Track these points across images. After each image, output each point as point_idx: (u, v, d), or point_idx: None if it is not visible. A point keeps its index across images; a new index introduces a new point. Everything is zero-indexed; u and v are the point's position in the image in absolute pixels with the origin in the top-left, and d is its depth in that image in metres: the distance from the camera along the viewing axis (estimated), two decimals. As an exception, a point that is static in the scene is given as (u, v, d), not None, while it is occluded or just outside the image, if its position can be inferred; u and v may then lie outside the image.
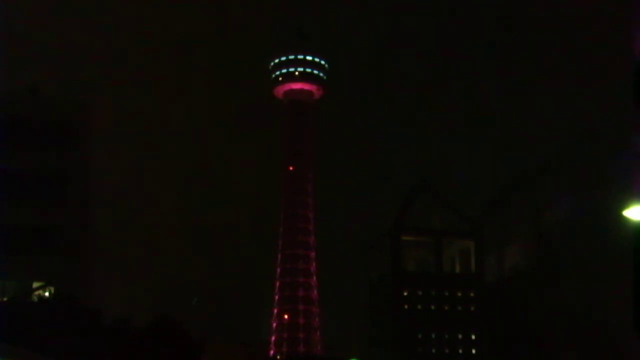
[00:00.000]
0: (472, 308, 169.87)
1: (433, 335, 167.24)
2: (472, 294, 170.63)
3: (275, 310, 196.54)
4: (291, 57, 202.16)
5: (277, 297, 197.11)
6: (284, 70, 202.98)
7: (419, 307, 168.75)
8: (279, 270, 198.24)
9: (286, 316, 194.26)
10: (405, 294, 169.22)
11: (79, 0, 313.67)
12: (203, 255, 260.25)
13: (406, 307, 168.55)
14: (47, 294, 74.75)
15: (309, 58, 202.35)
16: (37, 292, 74.55)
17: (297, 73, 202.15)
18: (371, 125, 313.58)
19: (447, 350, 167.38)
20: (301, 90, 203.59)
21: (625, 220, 20.49)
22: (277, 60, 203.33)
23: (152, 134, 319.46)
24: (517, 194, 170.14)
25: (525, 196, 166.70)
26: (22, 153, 76.07)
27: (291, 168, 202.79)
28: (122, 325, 67.33)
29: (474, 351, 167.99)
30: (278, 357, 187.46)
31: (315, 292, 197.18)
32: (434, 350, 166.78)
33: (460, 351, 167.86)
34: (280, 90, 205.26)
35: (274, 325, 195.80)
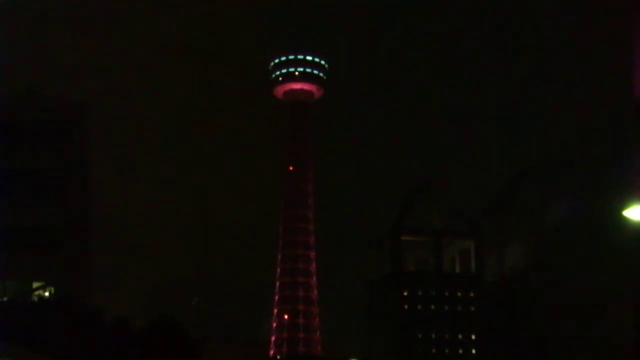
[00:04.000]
0: (472, 308, 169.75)
1: (433, 336, 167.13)
2: (472, 294, 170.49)
3: (275, 310, 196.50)
4: (291, 57, 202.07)
5: (277, 297, 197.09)
6: (284, 70, 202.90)
7: (419, 307, 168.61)
8: (279, 270, 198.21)
9: (286, 316, 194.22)
10: (405, 294, 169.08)
11: (78, 0, 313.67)
12: (203, 256, 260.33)
13: (406, 307, 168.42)
14: (47, 294, 74.75)
15: (309, 58, 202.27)
16: (37, 292, 74.53)
17: (297, 73, 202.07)
18: (371, 125, 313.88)
19: (447, 351, 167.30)
20: (301, 90, 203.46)
21: (625, 220, 20.51)
22: (277, 60, 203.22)
23: (152, 134, 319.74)
24: (516, 194, 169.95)
25: (525, 196, 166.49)
26: (22, 153, 75.99)
27: (291, 168, 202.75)
28: (122, 325, 67.32)
29: (474, 351, 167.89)
30: (278, 357, 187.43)
31: (315, 292, 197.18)
32: (434, 351, 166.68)
33: (460, 351, 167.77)
34: (280, 90, 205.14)
35: (274, 325, 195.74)
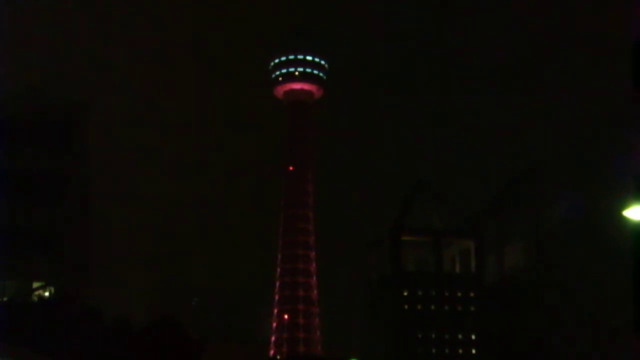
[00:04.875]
0: (472, 308, 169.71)
1: (433, 336, 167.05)
2: (472, 294, 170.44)
3: (275, 310, 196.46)
4: (291, 57, 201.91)
5: (277, 297, 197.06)
6: (284, 70, 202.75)
7: (419, 307, 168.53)
8: (279, 270, 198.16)
9: (286, 316, 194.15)
10: (405, 294, 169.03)
11: (79, 0, 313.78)
12: (203, 256, 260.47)
13: (406, 307, 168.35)
14: (47, 294, 74.81)
15: (309, 58, 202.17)
16: (37, 292, 74.60)
17: (297, 73, 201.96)
18: (371, 125, 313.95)
19: (447, 351, 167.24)
20: (301, 90, 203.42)
21: (625, 220, 20.53)
22: (277, 60, 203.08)
23: (152, 134, 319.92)
24: (516, 194, 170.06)
25: (525, 196, 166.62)
26: (22, 153, 76.06)
27: (291, 168, 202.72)
28: (122, 325, 67.43)
29: (474, 351, 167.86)
30: (278, 357, 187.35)
31: (315, 292, 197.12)
32: (434, 351, 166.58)
33: (460, 351, 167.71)
34: (280, 90, 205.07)
35: (274, 325, 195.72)
